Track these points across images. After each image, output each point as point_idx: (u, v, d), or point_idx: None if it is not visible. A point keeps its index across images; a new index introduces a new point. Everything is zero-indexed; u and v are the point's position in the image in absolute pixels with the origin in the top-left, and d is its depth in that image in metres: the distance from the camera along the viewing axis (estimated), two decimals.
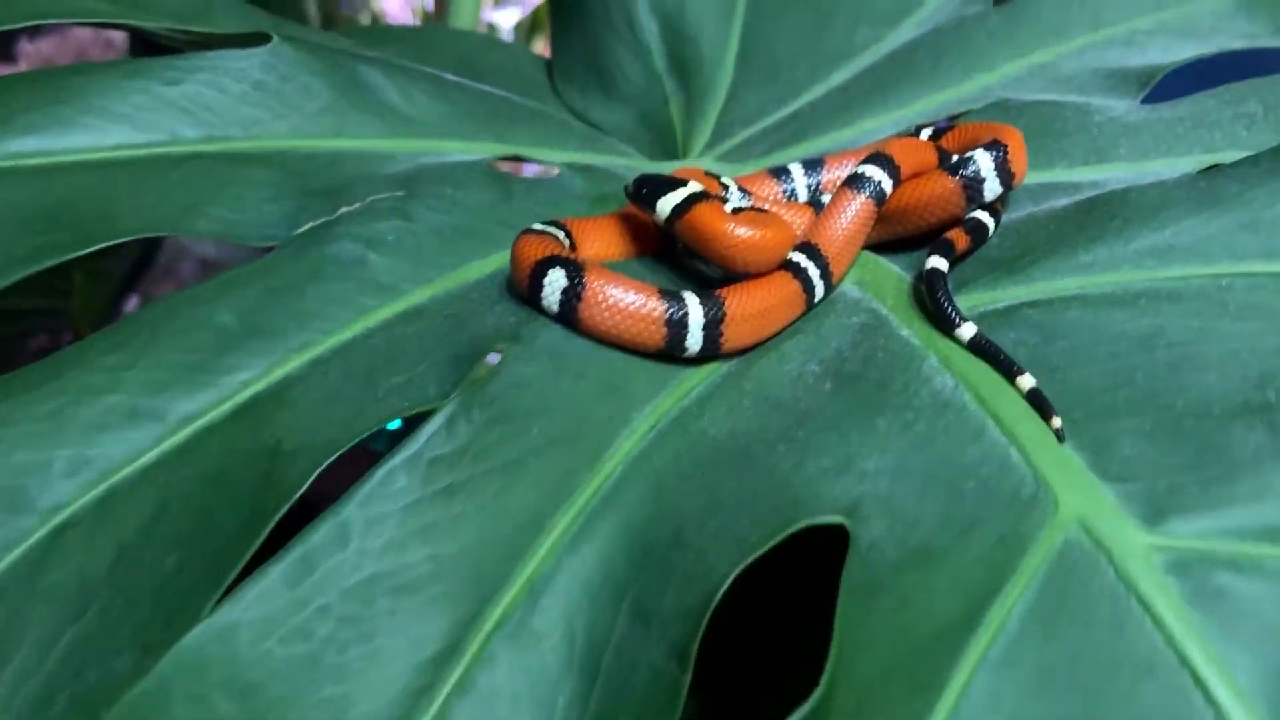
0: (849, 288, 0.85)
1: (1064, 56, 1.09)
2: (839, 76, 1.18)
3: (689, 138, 1.19)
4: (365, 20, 1.85)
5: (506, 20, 1.68)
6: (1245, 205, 0.80)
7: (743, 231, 0.76)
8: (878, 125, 1.07)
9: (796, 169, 0.92)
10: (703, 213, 0.77)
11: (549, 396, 0.71)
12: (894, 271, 0.86)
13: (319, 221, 0.82)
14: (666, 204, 0.79)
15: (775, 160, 1.07)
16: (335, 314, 0.77)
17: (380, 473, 0.66)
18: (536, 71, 1.30)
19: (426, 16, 1.77)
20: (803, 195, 0.92)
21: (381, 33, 1.33)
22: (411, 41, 1.31)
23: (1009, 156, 0.83)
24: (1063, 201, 0.88)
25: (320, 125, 0.91)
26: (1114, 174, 0.93)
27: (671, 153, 1.19)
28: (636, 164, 1.05)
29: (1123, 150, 0.94)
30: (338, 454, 0.68)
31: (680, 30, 1.23)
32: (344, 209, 0.83)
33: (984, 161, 0.83)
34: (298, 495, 0.67)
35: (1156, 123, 0.97)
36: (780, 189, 0.91)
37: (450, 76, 1.03)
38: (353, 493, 0.65)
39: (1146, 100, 1.01)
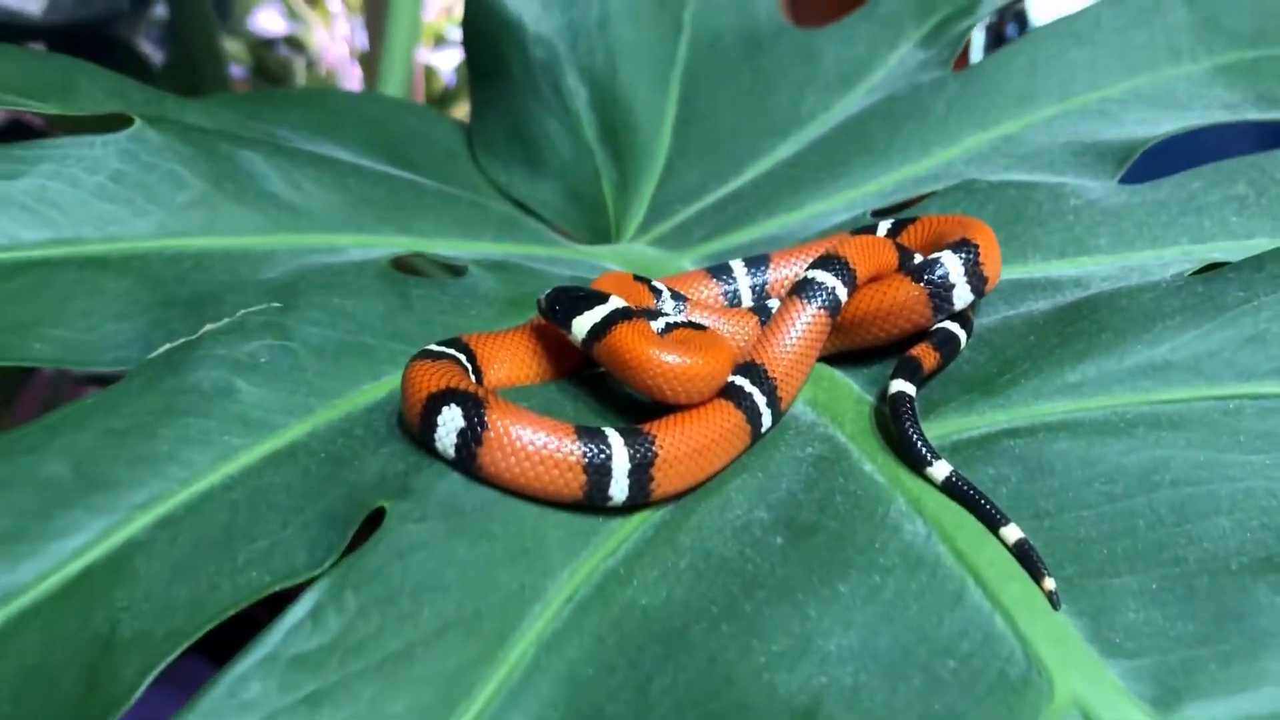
0: (801, 409, 0.73)
1: (1031, 128, 0.99)
2: (785, 149, 1.08)
3: (622, 216, 1.08)
4: (301, 65, 1.73)
5: (446, 63, 1.56)
6: (1250, 315, 0.70)
7: (672, 359, 0.65)
8: (829, 207, 0.96)
9: (739, 268, 0.81)
10: (625, 336, 0.65)
11: (443, 567, 0.58)
12: (852, 389, 0.75)
13: (179, 342, 0.69)
14: (583, 324, 0.67)
15: (716, 247, 0.96)
16: (192, 458, 0.64)
17: (227, 679, 0.53)
18: (455, 140, 1.18)
19: (364, 57, 1.65)
20: (746, 298, 0.80)
21: (285, 97, 1.21)
22: (318, 106, 1.19)
23: (980, 258, 0.72)
24: (1041, 304, 0.77)
25: (188, 221, 0.79)
26: (1095, 269, 0.82)
27: (603, 233, 1.08)
28: (560, 254, 0.93)
29: (1103, 240, 0.84)
30: (179, 650, 0.55)
31: (612, 96, 1.13)
32: (209, 326, 0.70)
33: (952, 265, 0.72)
34: (131, 702, 0.54)
35: (1139, 207, 0.87)
36: (720, 291, 0.80)
37: (346, 158, 0.91)
38: (194, 704, 0.53)
39: (1126, 180, 0.91)
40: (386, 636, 0.55)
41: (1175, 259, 0.82)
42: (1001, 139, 0.99)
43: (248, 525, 0.61)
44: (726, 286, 0.80)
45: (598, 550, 0.62)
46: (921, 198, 0.92)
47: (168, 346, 0.69)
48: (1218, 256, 0.82)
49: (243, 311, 0.72)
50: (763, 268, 0.80)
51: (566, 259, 0.92)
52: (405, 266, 0.89)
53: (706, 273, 0.81)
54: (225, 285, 0.75)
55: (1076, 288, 0.79)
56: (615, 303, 0.68)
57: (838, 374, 0.76)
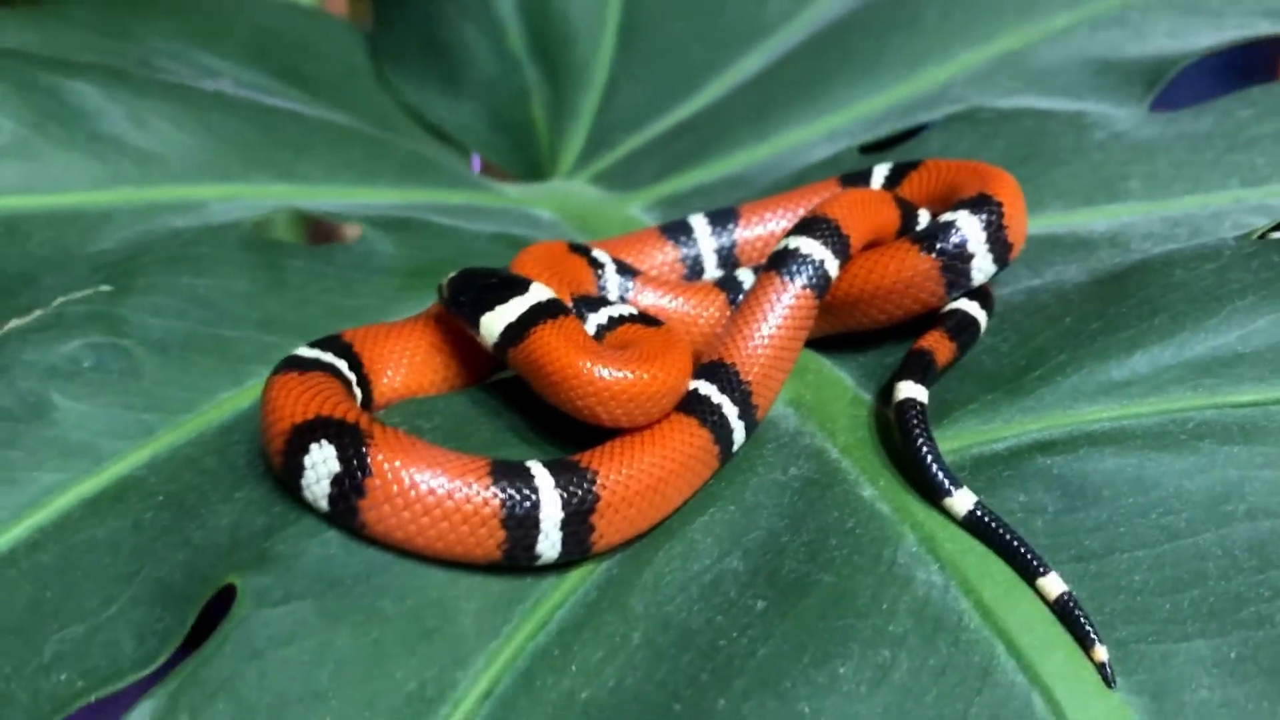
0: (781, 412, 0.59)
1: (1041, 42, 0.84)
2: (749, 61, 0.91)
3: (557, 145, 0.91)
4: None
5: None
6: None
7: (609, 374, 0.49)
8: (805, 137, 0.81)
9: (700, 225, 0.65)
10: (548, 341, 0.50)
11: (315, 668, 0.44)
12: (846, 385, 0.60)
13: None
14: (494, 322, 0.51)
15: (670, 188, 0.81)
16: None
17: None
18: (359, 53, 1.00)
19: None
20: (711, 264, 0.65)
21: (157, 2, 1.02)
22: (195, 12, 1.00)
23: (1005, 220, 0.58)
24: (1073, 271, 0.63)
25: None
26: (1130, 220, 0.69)
27: (535, 167, 0.92)
28: (480, 200, 0.77)
29: (1135, 184, 0.71)
30: None
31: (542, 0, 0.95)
32: (14, 323, 0.54)
33: (970, 229, 0.57)
34: None
35: (1176, 141, 0.73)
36: (678, 256, 0.64)
37: (210, 86, 0.73)
38: None
39: (1158, 105, 0.77)
40: None
41: (1227, 208, 0.69)
42: (1006, 55, 0.84)
43: (59, 602, 0.48)
44: (686, 250, 0.64)
45: (524, 624, 0.48)
46: (917, 130, 0.76)
47: None
48: (1275, 204, 0.68)
49: (61, 300, 0.55)
50: (730, 225, 0.65)
51: (488, 207, 0.76)
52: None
53: (660, 232, 0.65)
54: (44, 262, 0.59)
55: (1113, 248, 0.65)
56: (538, 293, 0.52)
57: (827, 363, 0.62)
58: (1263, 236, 0.61)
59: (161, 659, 0.45)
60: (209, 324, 0.57)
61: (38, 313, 0.55)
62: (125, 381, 0.55)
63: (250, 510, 0.49)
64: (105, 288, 0.57)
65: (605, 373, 0.49)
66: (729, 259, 0.65)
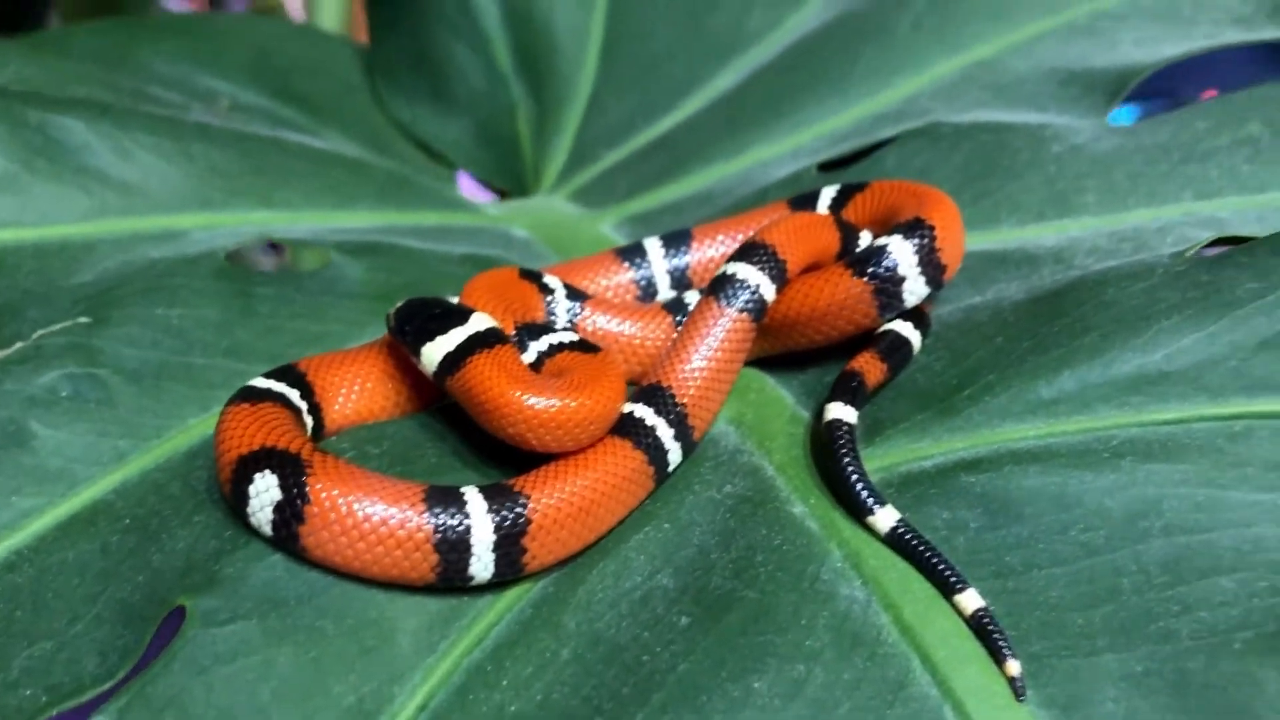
0: (723, 430, 0.61)
1: (1010, 51, 0.85)
2: (727, 76, 0.93)
3: (541, 160, 0.94)
4: None
5: None
6: (1265, 313, 0.57)
7: (538, 403, 0.52)
8: (773, 154, 0.83)
9: (654, 248, 0.67)
10: (481, 371, 0.52)
11: (258, 683, 0.47)
12: (786, 403, 0.62)
13: None
14: (434, 352, 0.54)
15: (642, 205, 0.83)
16: None
17: None
18: (355, 71, 1.03)
19: None
20: (664, 285, 0.67)
21: (161, 25, 1.06)
22: (198, 34, 1.04)
23: (937, 243, 0.59)
24: (1014, 289, 0.65)
25: None
26: (1080, 235, 0.70)
27: (519, 183, 0.94)
28: (456, 220, 0.80)
29: (1090, 198, 0.72)
30: None
31: (528, 13, 0.98)
32: None
33: (902, 253, 0.59)
34: None
35: (1134, 153, 0.74)
36: (631, 278, 0.67)
37: (196, 118, 0.76)
38: None
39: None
40: None
41: (1175, 220, 0.70)
42: (976, 65, 0.85)
43: (30, 621, 0.51)
44: (639, 272, 0.66)
45: (460, 641, 0.51)
46: (878, 145, 0.78)
47: None
48: (1225, 216, 0.69)
49: (40, 333, 0.59)
50: (683, 247, 0.67)
51: (464, 227, 0.79)
52: None
53: (616, 255, 0.68)
54: (28, 295, 0.63)
55: (1057, 264, 0.66)
56: (478, 323, 0.55)
57: (769, 382, 0.64)
58: (1200, 251, 0.62)
59: (121, 675, 0.48)
60: (180, 353, 0.60)
61: (18, 345, 0.58)
62: (100, 410, 0.58)
63: (205, 535, 0.52)
64: (84, 320, 0.60)
65: (535, 401, 0.52)
66: (682, 280, 0.68)
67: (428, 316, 0.55)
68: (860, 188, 0.67)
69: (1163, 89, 1.05)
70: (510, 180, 0.95)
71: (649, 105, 0.93)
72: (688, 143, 0.86)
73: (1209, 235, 0.65)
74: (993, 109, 0.80)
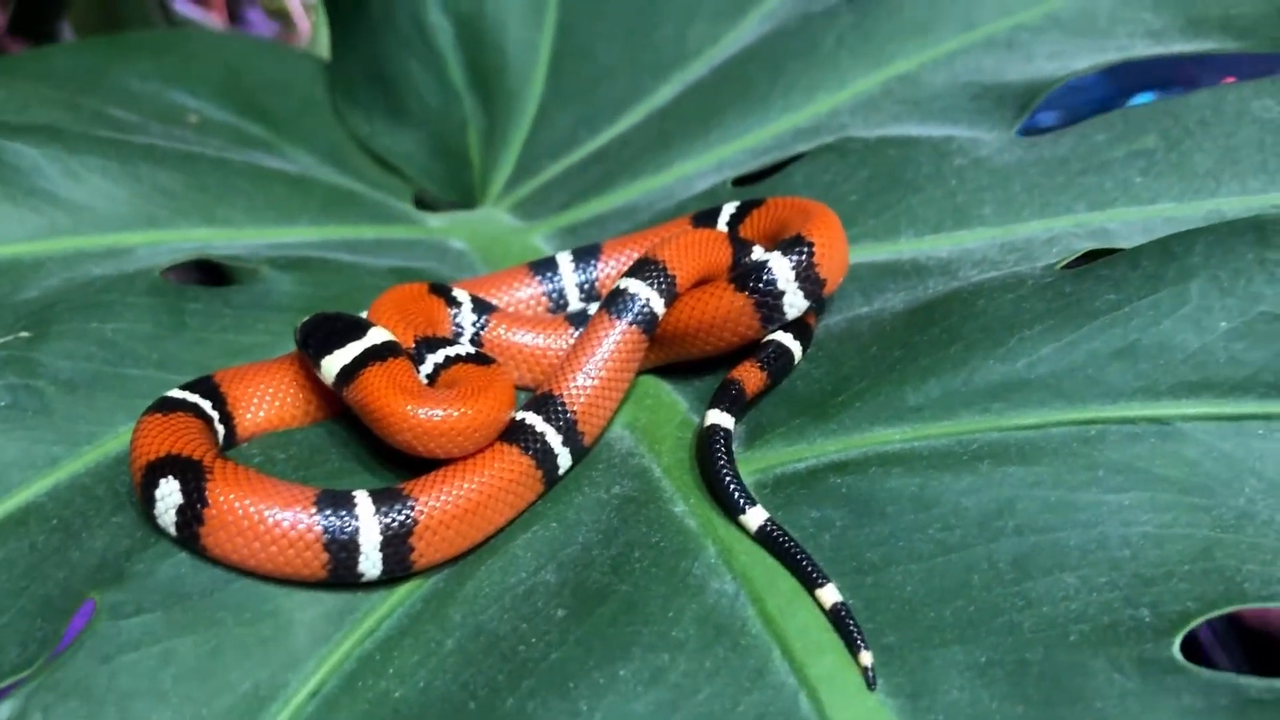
0: (619, 434, 0.65)
1: (930, 66, 0.88)
2: (666, 90, 0.97)
3: (489, 173, 0.98)
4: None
5: None
6: (1121, 323, 0.60)
7: (424, 413, 0.56)
8: (698, 167, 0.86)
9: (565, 262, 0.71)
10: (373, 383, 0.57)
11: (159, 669, 0.51)
12: (679, 408, 0.66)
13: None
14: (333, 364, 0.59)
15: (574, 216, 0.87)
16: None
17: None
18: (318, 86, 1.08)
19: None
20: (574, 297, 0.71)
21: (137, 44, 1.10)
22: (171, 52, 1.08)
23: (815, 259, 0.63)
24: (899, 299, 0.68)
25: None
26: (973, 246, 0.73)
27: (467, 195, 0.98)
28: (394, 234, 0.84)
29: (988, 210, 0.75)
30: None
31: (480, 31, 1.02)
32: None
33: (780, 270, 0.63)
34: None
35: (1033, 165, 0.77)
36: (542, 291, 0.71)
37: (145, 139, 0.81)
38: None
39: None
40: None
41: (1065, 230, 0.73)
42: (895, 79, 0.87)
43: None
44: (550, 285, 0.71)
45: (353, 632, 0.55)
46: (791, 160, 0.81)
47: None
48: (1114, 227, 0.72)
49: None
50: (592, 261, 0.71)
51: (401, 239, 0.83)
52: None
53: (528, 269, 0.72)
54: None
55: (943, 275, 0.70)
56: (375, 337, 0.59)
57: (665, 388, 0.67)
58: (1072, 265, 0.65)
59: (39, 663, 0.52)
60: (113, 364, 0.65)
61: None
62: (37, 418, 0.62)
63: (120, 535, 0.56)
64: (24, 334, 0.65)
65: (420, 411, 0.56)
66: (591, 293, 0.72)
67: (329, 331, 0.59)
68: (757, 204, 0.71)
69: (1185, 79, 1.06)
70: (460, 193, 0.99)
71: (592, 120, 0.97)
72: (621, 156, 0.90)
73: (1090, 247, 0.68)
74: (906, 123, 0.83)
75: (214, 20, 1.50)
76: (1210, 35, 0.84)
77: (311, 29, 1.40)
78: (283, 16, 1.55)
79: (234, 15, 1.63)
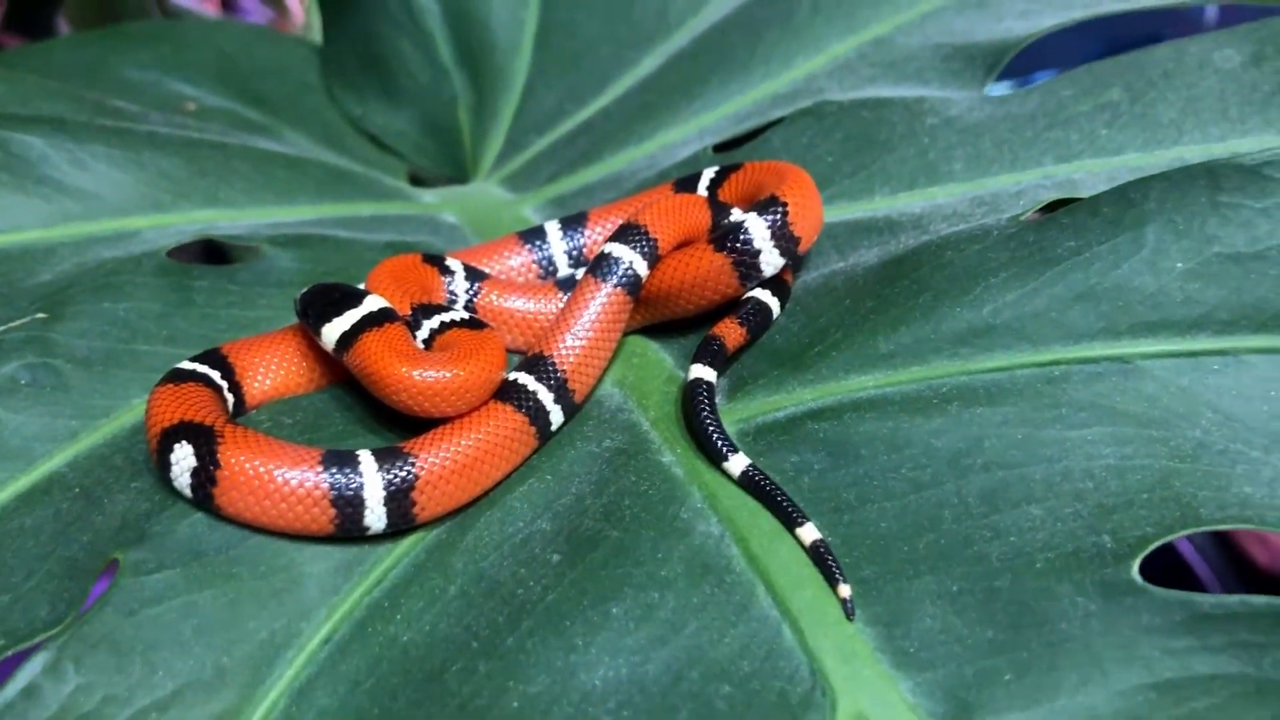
0: (609, 391, 0.68)
1: (902, 28, 0.91)
2: (649, 63, 0.99)
3: (479, 148, 1.01)
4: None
5: None
6: (1081, 269, 0.63)
7: (420, 374, 0.59)
8: (680, 135, 0.89)
9: (553, 231, 0.74)
10: (371, 347, 0.60)
11: (181, 621, 0.55)
12: (665, 365, 0.69)
13: None
14: (333, 331, 0.62)
15: (561, 188, 0.90)
16: None
17: None
18: (311, 71, 1.11)
19: None
20: (562, 264, 0.74)
21: (133, 34, 1.13)
22: (167, 41, 1.11)
23: (790, 218, 0.66)
24: (872, 254, 0.71)
25: None
26: (945, 201, 0.76)
27: (460, 171, 1.01)
28: (390, 210, 0.87)
29: (958, 166, 0.77)
30: None
31: (467, 10, 1.05)
32: None
33: (757, 229, 0.66)
34: None
35: (1002, 122, 0.79)
36: (532, 259, 0.74)
37: (148, 127, 0.84)
38: None
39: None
40: (111, 710, 0.52)
41: (1033, 183, 0.75)
42: (870, 43, 0.90)
43: None
44: (539, 253, 0.74)
45: (362, 582, 0.58)
46: (770, 125, 0.84)
47: None
48: (1080, 178, 0.75)
49: (1, 329, 0.67)
50: (579, 229, 0.74)
51: (396, 215, 0.86)
52: None
53: (518, 238, 0.75)
54: None
55: (914, 230, 0.72)
56: (371, 304, 0.63)
57: (652, 347, 0.71)
58: (1027, 220, 0.68)
59: (68, 621, 0.56)
60: (125, 341, 0.68)
61: None
62: (55, 394, 0.66)
63: (139, 498, 0.60)
64: (41, 316, 0.68)
65: (416, 373, 0.59)
66: (579, 259, 0.75)
67: (327, 301, 0.63)
68: (735, 168, 0.74)
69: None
70: (453, 168, 1.02)
71: (577, 93, 1.00)
72: (605, 128, 0.93)
73: (1055, 197, 0.71)
74: (880, 85, 0.86)
75: (208, 9, 1.53)
76: None
77: (304, 14, 1.43)
78: (276, 2, 1.58)
79: (227, 3, 1.66)
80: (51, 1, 1.40)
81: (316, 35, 1.32)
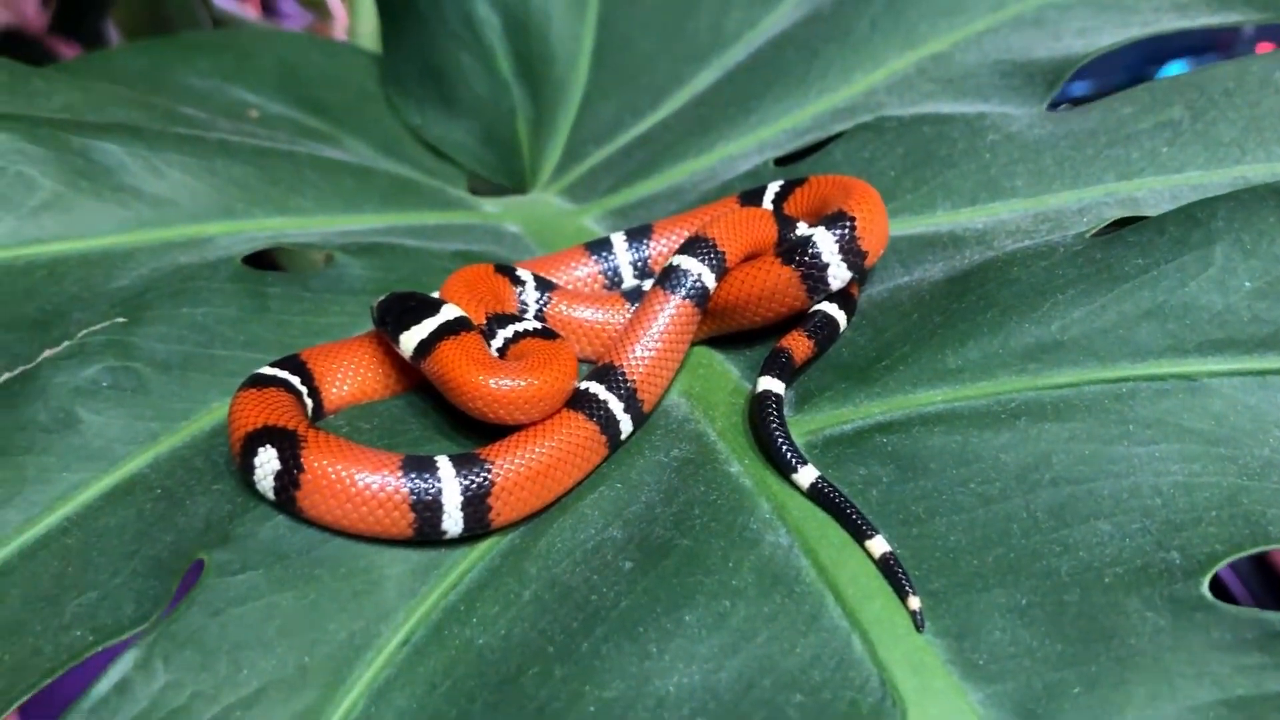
0: (675, 401, 0.69)
1: (961, 45, 0.91)
2: (705, 77, 1.00)
3: (538, 159, 1.02)
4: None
5: None
6: (1149, 286, 0.64)
7: (497, 383, 0.61)
8: (740, 149, 0.90)
9: (619, 242, 0.76)
10: (449, 356, 0.61)
11: (264, 621, 0.56)
12: (731, 376, 0.70)
13: (16, 372, 0.67)
14: (410, 339, 0.63)
15: (621, 199, 0.91)
16: (30, 499, 0.63)
17: None
18: (371, 80, 1.12)
19: None
20: (628, 275, 0.75)
21: (193, 44, 1.15)
22: (227, 50, 1.13)
23: (858, 232, 0.67)
24: (937, 269, 0.72)
25: (41, 226, 0.75)
26: (1007, 217, 0.76)
27: (518, 181, 1.03)
28: (454, 219, 0.89)
29: (1020, 182, 0.78)
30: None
31: (526, 24, 1.06)
32: (47, 353, 0.67)
33: (825, 243, 0.67)
34: None
35: (1063, 139, 0.80)
36: (599, 270, 0.75)
37: (219, 136, 0.85)
38: None
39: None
40: (199, 706, 0.53)
41: (1096, 200, 0.76)
42: (929, 59, 0.91)
43: (79, 575, 0.60)
44: (605, 264, 0.75)
45: (439, 585, 0.59)
46: (830, 139, 0.85)
47: (5, 377, 0.67)
48: (1142, 196, 0.75)
49: (84, 332, 0.68)
50: (644, 241, 0.75)
51: (460, 225, 0.87)
52: None
53: (585, 249, 0.76)
54: (74, 299, 0.72)
55: (979, 245, 0.73)
56: (448, 313, 0.64)
57: (718, 358, 0.72)
58: (1101, 233, 0.69)
59: (154, 618, 0.57)
60: (203, 346, 0.70)
61: (65, 344, 0.68)
62: (136, 397, 0.67)
63: (221, 500, 0.61)
64: (120, 320, 0.70)
65: (492, 381, 0.61)
66: (644, 270, 0.76)
67: (404, 309, 0.64)
68: (800, 182, 0.75)
69: (1221, 45, 1.07)
70: (512, 178, 1.03)
71: (634, 106, 1.01)
72: (664, 140, 0.94)
73: (1119, 215, 0.72)
74: (939, 101, 0.86)
75: (249, 12, 1.55)
76: (1235, 8, 0.87)
77: (348, 18, 1.44)
78: (316, 6, 1.60)
79: (267, 6, 1.68)
80: (99, 7, 1.43)
81: (361, 38, 1.34)
